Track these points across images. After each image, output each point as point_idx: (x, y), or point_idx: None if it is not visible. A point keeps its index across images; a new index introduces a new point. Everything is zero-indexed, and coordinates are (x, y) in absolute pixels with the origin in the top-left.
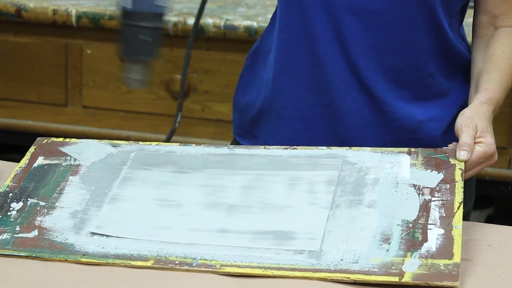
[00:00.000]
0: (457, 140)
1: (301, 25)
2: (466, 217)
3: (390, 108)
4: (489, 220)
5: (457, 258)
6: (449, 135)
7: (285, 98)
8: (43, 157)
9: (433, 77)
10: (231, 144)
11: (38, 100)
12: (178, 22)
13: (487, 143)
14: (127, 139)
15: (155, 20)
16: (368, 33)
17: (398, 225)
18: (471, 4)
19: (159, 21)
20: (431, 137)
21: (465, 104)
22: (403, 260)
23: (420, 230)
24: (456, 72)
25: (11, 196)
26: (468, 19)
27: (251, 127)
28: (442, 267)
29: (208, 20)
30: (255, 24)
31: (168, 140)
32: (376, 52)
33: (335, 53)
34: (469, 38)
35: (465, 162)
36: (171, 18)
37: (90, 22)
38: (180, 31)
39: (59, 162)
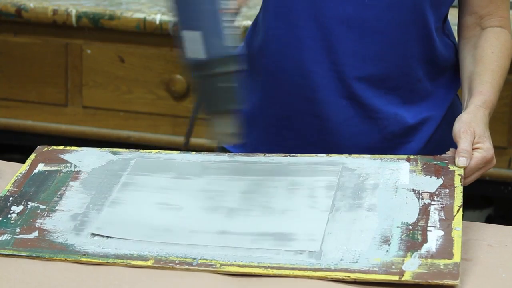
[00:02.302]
0: (445, 141)
1: (289, 35)
2: None
3: (381, 115)
4: (489, 220)
5: (457, 258)
6: (437, 136)
7: (276, 107)
8: (43, 164)
9: (420, 81)
10: (217, 148)
11: (38, 100)
12: None
13: (485, 149)
14: (127, 139)
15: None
16: (359, 43)
17: (397, 227)
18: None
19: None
20: (419, 139)
21: (452, 104)
22: (403, 260)
23: (420, 232)
24: (440, 74)
25: (11, 200)
26: (454, 19)
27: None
28: (442, 266)
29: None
30: None
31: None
32: (365, 61)
33: (323, 63)
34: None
35: (464, 168)
36: (171, 18)
37: (90, 22)
38: None
39: (59, 168)
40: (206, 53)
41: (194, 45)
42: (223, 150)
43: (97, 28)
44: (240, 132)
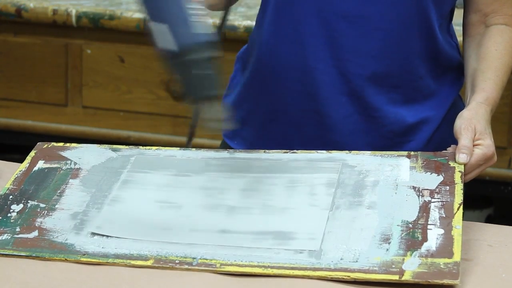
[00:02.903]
0: (446, 142)
1: (292, 32)
2: None
3: (381, 114)
4: (489, 220)
5: (457, 257)
6: (438, 136)
7: (275, 103)
8: (43, 161)
9: (423, 79)
10: (220, 145)
11: (38, 100)
12: None
13: (486, 145)
14: (127, 139)
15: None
16: (361, 39)
17: (398, 225)
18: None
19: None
20: (420, 139)
21: (454, 104)
22: (403, 259)
23: (420, 230)
24: (443, 73)
25: (11, 198)
26: (457, 20)
27: (240, 129)
28: (442, 266)
29: (207, 20)
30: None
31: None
32: (368, 58)
33: (325, 60)
34: (458, 38)
35: (465, 165)
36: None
37: (90, 22)
38: None
39: (59, 166)
40: (176, 43)
41: (163, 36)
42: (224, 146)
43: (97, 28)
44: (229, 116)
